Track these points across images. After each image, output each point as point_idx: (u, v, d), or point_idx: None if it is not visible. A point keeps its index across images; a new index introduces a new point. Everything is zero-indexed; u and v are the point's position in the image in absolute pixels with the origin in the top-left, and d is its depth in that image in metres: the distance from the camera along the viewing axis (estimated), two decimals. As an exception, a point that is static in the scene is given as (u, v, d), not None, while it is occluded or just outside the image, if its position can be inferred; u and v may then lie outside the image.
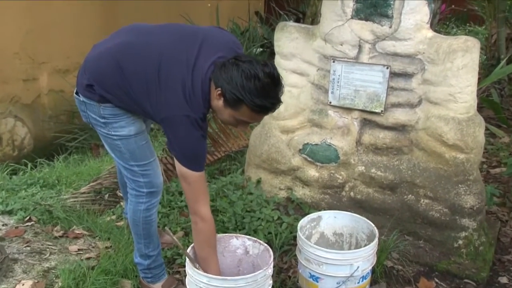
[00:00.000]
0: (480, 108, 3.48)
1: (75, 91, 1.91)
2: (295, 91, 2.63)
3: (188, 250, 1.85)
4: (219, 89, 1.64)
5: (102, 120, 1.86)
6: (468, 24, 6.51)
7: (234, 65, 1.62)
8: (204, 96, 1.68)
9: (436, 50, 2.24)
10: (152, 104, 1.73)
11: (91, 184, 2.99)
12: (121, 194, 2.83)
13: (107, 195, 2.93)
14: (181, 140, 1.70)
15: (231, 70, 1.62)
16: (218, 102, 1.67)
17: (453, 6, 6.03)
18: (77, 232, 2.49)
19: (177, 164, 1.73)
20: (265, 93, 1.61)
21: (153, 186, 1.98)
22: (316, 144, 2.58)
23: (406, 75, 2.32)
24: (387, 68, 2.33)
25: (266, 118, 2.73)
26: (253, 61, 1.63)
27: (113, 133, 1.88)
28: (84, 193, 2.89)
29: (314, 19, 4.73)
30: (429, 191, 2.36)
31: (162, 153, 3.16)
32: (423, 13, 2.23)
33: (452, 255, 2.36)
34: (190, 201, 1.77)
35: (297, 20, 5.28)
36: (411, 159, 2.42)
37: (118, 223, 2.61)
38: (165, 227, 2.11)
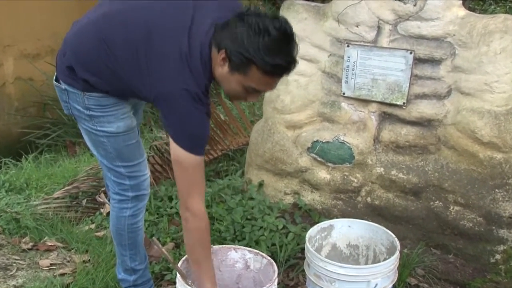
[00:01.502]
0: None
1: (54, 77, 1.89)
2: (303, 80, 2.62)
3: (180, 264, 1.85)
4: (223, 50, 1.57)
5: (87, 112, 1.84)
6: (509, 0, 6.45)
7: (239, 21, 1.55)
8: (204, 64, 1.62)
9: (469, 32, 2.23)
10: (144, 80, 1.67)
11: (66, 188, 2.99)
12: (102, 200, 2.83)
13: (84, 200, 2.93)
14: (181, 118, 1.63)
15: (235, 27, 1.55)
16: (222, 69, 1.61)
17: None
18: (49, 244, 2.49)
19: (173, 146, 1.66)
20: (277, 49, 1.53)
21: (140, 189, 1.98)
22: (327, 142, 2.58)
23: (433, 61, 2.32)
24: (411, 53, 2.32)
25: (269, 111, 2.73)
26: (261, 14, 1.56)
27: (98, 128, 1.86)
28: (57, 198, 2.89)
29: (326, -4, 4.72)
30: (459, 196, 2.35)
31: (149, 152, 3.16)
32: (453, -11, 2.23)
33: (488, 272, 2.35)
34: (182, 193, 1.70)
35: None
36: (438, 160, 2.41)
37: (98, 233, 2.61)
38: (153, 237, 2.12)
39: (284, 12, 2.61)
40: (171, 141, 1.68)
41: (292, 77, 2.64)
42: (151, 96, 1.66)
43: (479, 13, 2.43)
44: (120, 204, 1.99)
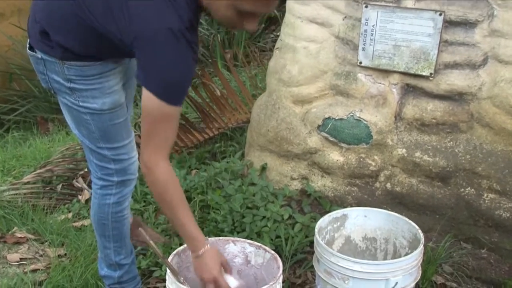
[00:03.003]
0: None
1: (28, 45, 1.88)
2: (313, 47, 2.60)
3: (170, 258, 1.85)
4: None
5: (68, 85, 1.84)
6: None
7: None
8: None
9: (509, -11, 2.21)
10: (119, 24, 1.65)
11: (38, 171, 2.99)
12: (81, 184, 2.83)
13: (60, 185, 2.94)
14: (160, 61, 1.61)
15: None
16: None
17: None
18: (19, 235, 2.50)
19: (145, 94, 1.65)
20: None
21: (126, 174, 2.00)
22: (341, 119, 2.58)
23: (467, 24, 2.30)
24: (440, 14, 2.30)
25: (274, 84, 2.72)
26: None
27: (81, 104, 1.86)
28: (28, 183, 2.89)
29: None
30: (495, 182, 2.35)
31: (135, 130, 3.15)
32: None
33: (525, 269, 2.37)
34: (149, 145, 1.70)
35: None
36: (470, 139, 2.41)
37: (76, 223, 2.62)
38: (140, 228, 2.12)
39: (292, -33, 2.59)
40: (143, 89, 1.66)
41: (300, 43, 2.64)
42: (129, 40, 1.64)
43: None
44: (103, 190, 2.00)
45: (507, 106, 2.27)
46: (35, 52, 1.84)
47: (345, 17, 2.51)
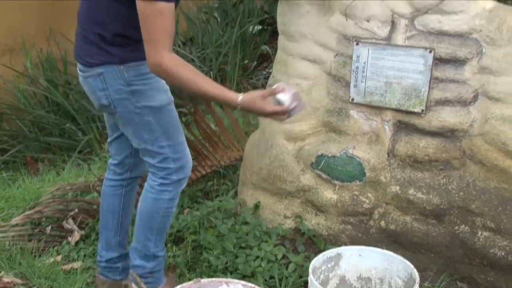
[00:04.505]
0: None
1: (79, 67, 2.18)
2: (305, 84, 2.64)
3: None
4: None
5: (129, 89, 2.12)
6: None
7: None
8: None
9: (497, 27, 2.26)
10: None
11: (27, 213, 2.99)
12: (71, 226, 2.84)
13: (49, 227, 2.93)
14: None
15: None
16: None
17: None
18: (6, 280, 2.48)
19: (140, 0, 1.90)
20: None
21: (183, 172, 2.30)
22: (334, 156, 2.60)
23: (457, 62, 2.34)
24: (430, 51, 2.35)
25: (267, 121, 2.75)
26: None
27: (143, 104, 2.15)
28: (16, 225, 2.88)
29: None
30: (489, 220, 2.37)
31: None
32: (479, -24, 2.27)
33: (522, 308, 2.36)
34: (150, 45, 1.94)
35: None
36: (463, 176, 2.43)
37: (65, 266, 2.61)
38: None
39: (283, 4, 2.65)
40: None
41: (292, 80, 2.68)
42: None
43: (511, 4, 2.46)
44: (161, 186, 2.28)
45: (498, 143, 2.30)
46: (92, 68, 2.12)
47: (337, 54, 2.56)
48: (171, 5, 1.94)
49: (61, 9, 4.79)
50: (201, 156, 3.36)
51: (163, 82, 2.20)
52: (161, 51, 1.95)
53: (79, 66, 2.23)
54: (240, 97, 2.02)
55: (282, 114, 2.07)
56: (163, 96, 2.21)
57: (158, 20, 1.93)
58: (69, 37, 4.57)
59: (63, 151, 4.40)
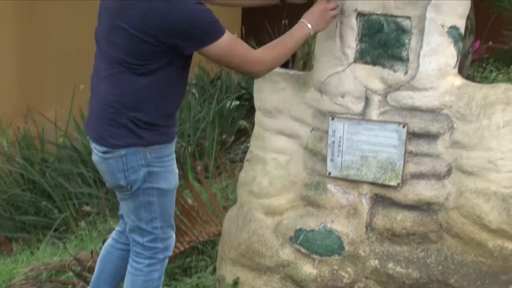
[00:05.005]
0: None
1: (97, 148, 2.22)
2: (282, 158, 2.67)
3: None
4: None
5: (147, 169, 2.21)
6: (512, 67, 6.77)
7: None
8: None
9: (467, 103, 2.33)
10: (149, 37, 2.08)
11: (-1, 293, 2.91)
12: None
13: (22, 310, 2.85)
14: (191, 21, 2.04)
15: None
16: None
17: (490, 42, 6.31)
18: None
19: (210, 50, 2.10)
20: None
21: (168, 251, 2.39)
22: (313, 230, 2.60)
23: (429, 136, 2.40)
24: (404, 126, 2.40)
25: (245, 196, 2.76)
26: None
27: (155, 185, 2.25)
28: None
29: (307, 62, 4.89)
30: (468, 293, 2.36)
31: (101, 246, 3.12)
32: (448, 55, 2.35)
33: None
34: (242, 66, 2.20)
35: (285, 64, 5.45)
36: (441, 250, 2.44)
37: None
38: None
39: (259, 81, 2.70)
40: (207, 51, 2.10)
41: (269, 155, 2.70)
42: (169, 39, 2.07)
43: (480, 81, 2.56)
44: (149, 267, 2.34)
45: (474, 216, 2.33)
46: (115, 150, 2.18)
47: (313, 129, 2.60)
48: (227, 33, 2.11)
49: (39, 88, 4.85)
50: (179, 232, 3.32)
51: (174, 166, 2.33)
52: (254, 64, 2.20)
53: (95, 146, 2.25)
54: (308, 26, 2.28)
55: (330, 5, 2.34)
56: (174, 179, 2.33)
57: (230, 52, 2.13)
58: (47, 115, 4.60)
59: (38, 230, 4.32)
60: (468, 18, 2.58)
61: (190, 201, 3.50)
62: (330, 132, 2.52)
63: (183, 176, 3.77)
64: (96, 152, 2.26)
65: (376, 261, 2.51)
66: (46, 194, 4.59)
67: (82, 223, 4.16)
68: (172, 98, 2.26)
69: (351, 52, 2.47)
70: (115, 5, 2.12)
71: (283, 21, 5.34)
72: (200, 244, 3.32)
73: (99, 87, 2.24)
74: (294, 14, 2.74)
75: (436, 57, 2.34)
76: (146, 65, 2.13)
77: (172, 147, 2.32)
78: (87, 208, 4.34)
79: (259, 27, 6.07)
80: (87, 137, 2.36)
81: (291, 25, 2.43)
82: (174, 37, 2.06)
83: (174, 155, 2.33)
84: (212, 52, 2.11)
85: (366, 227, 2.53)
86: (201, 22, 2.07)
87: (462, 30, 2.36)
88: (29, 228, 4.44)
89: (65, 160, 4.59)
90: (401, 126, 2.40)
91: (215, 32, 2.09)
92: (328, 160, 2.55)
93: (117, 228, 2.59)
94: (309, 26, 2.30)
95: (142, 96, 2.16)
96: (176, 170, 2.35)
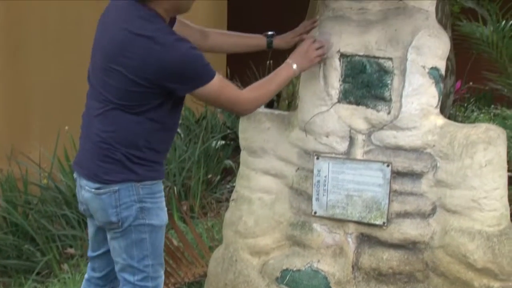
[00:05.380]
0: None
1: (90, 185, 2.25)
2: (268, 198, 2.68)
3: None
4: None
5: (139, 205, 2.25)
6: (493, 106, 6.88)
7: None
8: (154, 17, 2.15)
9: (449, 142, 2.36)
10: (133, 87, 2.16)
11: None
12: None
13: None
14: (183, 67, 2.12)
15: None
16: None
17: (471, 83, 6.42)
18: None
19: (198, 91, 2.18)
20: None
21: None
22: (299, 270, 2.58)
23: (413, 175, 2.42)
24: (388, 165, 2.42)
25: (230, 236, 2.74)
26: None
27: (147, 222, 2.28)
28: None
29: (292, 102, 4.94)
30: (455, 333, 2.35)
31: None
32: (430, 95, 2.39)
33: None
34: (230, 105, 2.31)
35: (270, 104, 5.49)
36: (428, 289, 2.44)
37: None
38: None
39: (244, 121, 2.72)
40: (199, 92, 2.19)
41: (255, 194, 2.70)
42: (165, 82, 2.16)
43: (461, 120, 2.59)
44: None
45: (459, 255, 2.33)
46: (109, 186, 2.22)
47: (298, 168, 2.61)
48: (217, 75, 2.21)
49: (23, 129, 4.83)
50: (165, 273, 3.29)
51: (164, 203, 2.38)
52: (241, 103, 2.29)
53: (87, 183, 2.27)
54: (293, 66, 2.37)
55: (315, 44, 2.42)
56: (164, 216, 2.38)
57: (219, 93, 2.22)
58: (31, 156, 4.58)
59: (20, 274, 4.25)
60: (448, 59, 2.64)
61: (175, 242, 3.48)
62: (315, 172, 2.54)
63: (168, 216, 3.76)
64: (88, 189, 2.27)
65: (363, 301, 2.50)
66: (29, 236, 4.52)
67: (65, 266, 4.10)
68: (164, 136, 2.32)
69: (335, 92, 2.50)
70: (111, 47, 2.17)
71: (267, 62, 5.41)
72: (185, 285, 3.29)
73: (91, 125, 2.27)
74: (279, 55, 2.80)
75: (418, 97, 2.38)
76: (138, 106, 2.19)
77: (161, 185, 2.38)
78: (70, 251, 4.29)
79: (244, 68, 6.15)
80: (74, 175, 2.39)
81: (275, 65, 2.48)
82: (169, 80, 2.14)
83: (163, 193, 2.39)
84: (203, 93, 2.20)
85: (353, 267, 2.53)
86: (194, 66, 2.15)
87: (443, 71, 2.41)
88: (11, 272, 4.36)
89: (49, 202, 4.54)
90: (386, 165, 2.42)
91: (207, 75, 2.18)
92: (314, 199, 2.56)
93: (86, 276, 2.56)
94: (294, 66, 2.37)
95: (135, 133, 2.22)
96: (165, 208, 2.40)
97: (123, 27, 2.14)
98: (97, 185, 2.25)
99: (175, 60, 2.11)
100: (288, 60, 2.39)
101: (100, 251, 2.48)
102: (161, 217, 2.36)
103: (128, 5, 2.17)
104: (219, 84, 2.21)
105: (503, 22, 4.56)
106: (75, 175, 2.39)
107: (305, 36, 2.56)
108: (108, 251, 2.41)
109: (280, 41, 2.65)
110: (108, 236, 2.37)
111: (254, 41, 2.68)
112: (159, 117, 2.24)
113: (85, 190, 2.29)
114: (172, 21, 2.38)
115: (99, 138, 2.24)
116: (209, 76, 2.18)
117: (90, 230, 2.50)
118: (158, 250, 2.38)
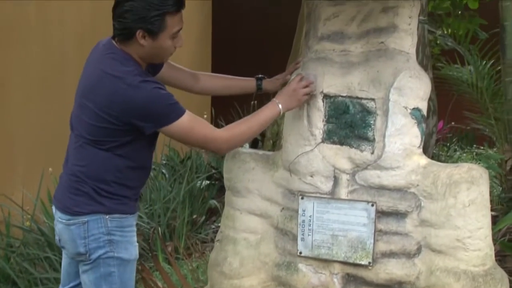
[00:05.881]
0: (502, 258, 3.57)
1: (61, 217, 2.32)
2: (253, 238, 2.66)
3: None
4: (138, 31, 2.18)
5: (107, 238, 2.29)
6: (475, 146, 6.97)
7: (120, 7, 2.19)
8: (126, 60, 2.24)
9: (433, 182, 2.37)
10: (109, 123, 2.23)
11: None
12: None
13: None
14: (149, 107, 2.18)
15: (125, 13, 2.18)
16: (148, 43, 2.22)
17: (453, 123, 6.51)
18: None
19: (170, 128, 2.22)
20: None
21: None
22: (285, 312, 2.56)
23: (398, 214, 2.42)
24: (372, 205, 2.43)
25: (215, 277, 2.72)
26: None
27: (115, 255, 2.31)
28: None
29: (276, 142, 4.96)
30: None
31: None
32: (412, 135, 2.41)
33: None
34: (202, 143, 2.33)
35: (254, 144, 5.52)
36: (415, 331, 2.41)
37: None
38: None
39: (228, 161, 2.73)
40: (168, 129, 2.23)
41: (240, 235, 2.69)
42: (130, 121, 2.22)
43: (445, 160, 2.62)
44: None
45: (445, 295, 2.33)
46: (78, 217, 2.28)
47: (283, 208, 2.61)
48: (186, 112, 2.24)
49: (5, 171, 4.79)
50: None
51: (135, 237, 2.41)
52: (211, 135, 2.30)
53: (60, 215, 2.35)
54: (279, 105, 2.39)
55: (302, 83, 2.44)
56: (134, 250, 2.39)
57: (190, 131, 2.26)
58: (14, 199, 4.53)
59: (0, 320, 4.17)
60: (430, 99, 2.67)
61: (160, 284, 3.43)
62: (300, 211, 2.54)
63: (152, 257, 3.72)
64: (61, 220, 2.35)
65: None
66: (11, 280, 4.44)
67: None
68: (134, 173, 2.36)
69: (319, 132, 2.52)
70: (85, 84, 2.30)
71: (252, 102, 5.46)
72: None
73: (68, 159, 2.39)
74: (263, 95, 2.82)
75: (401, 137, 2.40)
76: (108, 142, 2.26)
77: (133, 220, 2.43)
78: (53, 294, 4.22)
79: (228, 108, 6.19)
80: (53, 208, 2.44)
81: (260, 105, 2.50)
82: (135, 117, 2.21)
83: (135, 228, 2.43)
84: (172, 131, 2.25)
85: (339, 308, 2.51)
86: (159, 104, 2.20)
87: (425, 111, 2.44)
88: (-10, 319, 4.27)
89: (32, 245, 4.47)
90: (370, 204, 2.43)
91: (174, 113, 2.22)
92: (299, 239, 2.55)
93: None
94: (280, 105, 2.40)
95: (105, 169, 2.29)
96: (136, 243, 2.42)
97: (98, 67, 2.26)
98: (68, 217, 2.32)
99: (140, 99, 2.17)
100: (275, 99, 2.42)
101: (70, 285, 2.50)
102: (130, 251, 2.38)
103: (107, 47, 2.29)
104: (189, 122, 2.25)
105: (484, 63, 4.66)
106: (53, 208, 2.45)
107: (288, 78, 2.60)
108: (79, 284, 2.44)
109: (268, 83, 2.71)
110: (80, 270, 2.40)
111: (244, 83, 2.72)
112: (129, 154, 2.30)
113: (59, 221, 2.37)
114: (156, 65, 2.48)
115: (71, 172, 2.34)
116: (176, 114, 2.22)
117: (63, 262, 2.54)
118: (127, 285, 2.38)
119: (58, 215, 2.38)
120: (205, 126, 2.32)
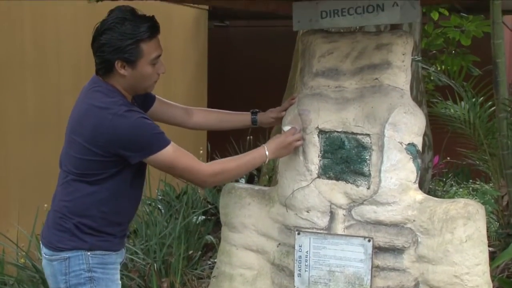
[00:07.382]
0: (500, 294, 3.55)
1: (46, 252, 2.32)
2: (249, 274, 2.64)
3: None
4: (116, 62, 2.22)
5: (89, 274, 2.27)
6: (471, 181, 6.97)
7: (97, 42, 2.24)
8: (112, 92, 2.27)
9: (429, 217, 2.36)
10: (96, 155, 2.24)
11: None
12: None
13: None
14: (135, 138, 2.21)
15: (101, 46, 2.23)
16: (129, 73, 2.25)
17: (448, 158, 6.52)
18: None
19: (152, 159, 2.24)
20: (138, 20, 2.23)
21: None
22: None
23: (395, 250, 2.40)
24: (369, 240, 2.41)
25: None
26: (97, 29, 2.25)
27: None
28: None
29: (272, 177, 4.96)
30: None
31: None
32: (408, 170, 2.41)
33: None
34: (186, 174, 2.31)
35: (250, 179, 5.51)
36: None
37: None
38: None
39: (224, 197, 2.72)
40: (150, 159, 2.24)
41: (236, 270, 2.67)
42: (116, 153, 2.23)
43: (441, 195, 2.61)
44: None
45: (444, 333, 2.30)
46: (58, 253, 2.28)
47: (279, 244, 2.60)
48: (171, 143, 2.26)
49: (0, 208, 4.77)
50: None
51: (117, 276, 2.39)
52: (195, 169, 2.29)
53: (45, 251, 2.35)
54: (266, 152, 2.42)
55: (295, 136, 2.48)
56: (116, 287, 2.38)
57: (174, 161, 2.26)
58: (8, 236, 4.50)
59: None
60: (425, 134, 2.68)
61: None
62: (296, 247, 2.52)
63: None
64: (44, 256, 2.36)
65: None
66: (5, 321, 4.38)
67: None
68: (120, 207, 2.35)
69: (315, 167, 2.52)
70: (74, 120, 2.33)
71: (248, 137, 5.47)
72: None
73: (55, 195, 2.39)
74: (259, 130, 2.84)
75: (396, 172, 2.40)
76: (96, 175, 2.26)
77: (117, 258, 2.41)
78: (47, 331, 4.15)
79: (224, 143, 6.20)
80: (41, 243, 2.44)
81: (256, 140, 2.51)
82: (120, 147, 2.22)
83: (119, 266, 2.42)
84: (156, 161, 2.26)
85: None
86: (145, 134, 2.22)
87: (420, 147, 2.45)
88: None
89: (26, 282, 4.43)
90: (367, 240, 2.41)
91: (158, 144, 2.24)
92: (296, 275, 2.53)
93: None
94: (267, 153, 2.42)
95: (89, 203, 2.28)
96: (119, 282, 2.40)
97: (86, 101, 2.30)
98: (51, 252, 2.32)
99: (126, 127, 2.20)
100: (265, 145, 2.45)
101: None
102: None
103: (92, 82, 2.34)
104: (173, 153, 2.26)
105: (477, 99, 4.69)
106: (41, 244, 2.44)
107: (283, 114, 2.61)
108: None
109: (262, 117, 2.71)
110: None
111: (238, 117, 2.73)
112: (116, 187, 2.30)
113: (44, 257, 2.38)
114: (146, 100, 2.54)
115: (56, 208, 2.35)
116: (161, 144, 2.24)
117: None
118: None
119: (43, 250, 2.39)
120: (190, 158, 2.32)
